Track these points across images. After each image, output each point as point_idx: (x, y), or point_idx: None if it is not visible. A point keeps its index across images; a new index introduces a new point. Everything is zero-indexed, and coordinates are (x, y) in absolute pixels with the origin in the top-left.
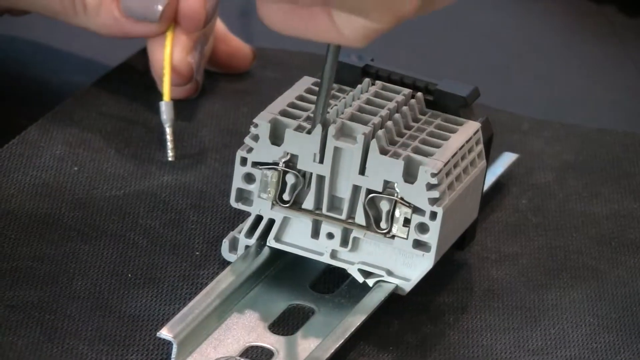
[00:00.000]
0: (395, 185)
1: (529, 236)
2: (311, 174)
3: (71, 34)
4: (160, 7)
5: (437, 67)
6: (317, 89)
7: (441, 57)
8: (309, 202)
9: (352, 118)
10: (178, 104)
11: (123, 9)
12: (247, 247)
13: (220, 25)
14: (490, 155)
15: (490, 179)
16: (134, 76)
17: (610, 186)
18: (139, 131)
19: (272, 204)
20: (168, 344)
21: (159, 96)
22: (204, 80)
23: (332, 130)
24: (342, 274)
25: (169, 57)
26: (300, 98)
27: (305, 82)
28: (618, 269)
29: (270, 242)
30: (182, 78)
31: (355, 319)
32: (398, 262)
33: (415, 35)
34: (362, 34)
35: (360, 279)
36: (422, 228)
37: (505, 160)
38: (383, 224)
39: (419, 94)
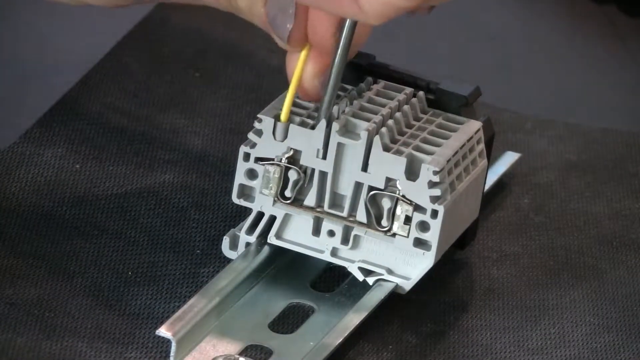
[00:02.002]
0: (397, 182)
1: (530, 236)
2: (313, 170)
3: (70, 30)
4: (288, 27)
5: (440, 67)
6: None
7: (444, 56)
8: (310, 199)
9: (355, 116)
10: (180, 101)
11: (267, 13)
12: (247, 244)
13: None
14: (492, 155)
15: (492, 178)
16: (136, 72)
17: (613, 186)
18: (141, 129)
19: (274, 201)
20: (167, 341)
21: (161, 94)
22: (209, 73)
23: (335, 126)
24: (342, 273)
25: (297, 78)
26: None
27: None
28: (619, 268)
29: (271, 239)
30: (307, 97)
31: (355, 318)
32: (398, 260)
33: (417, 35)
34: (381, 11)
35: (360, 277)
36: (423, 226)
37: (508, 159)
38: (384, 222)
39: (421, 92)
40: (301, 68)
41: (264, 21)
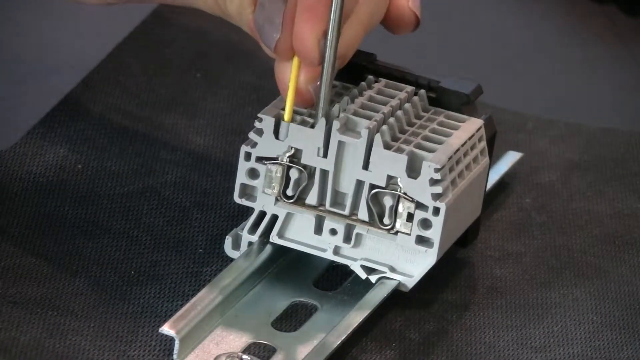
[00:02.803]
0: (399, 180)
1: (532, 235)
2: (315, 169)
3: (70, 31)
4: (275, 37)
5: (440, 68)
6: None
7: (444, 57)
8: (312, 198)
9: (356, 114)
10: (181, 102)
11: (254, 20)
12: (250, 243)
13: None
14: (494, 154)
15: (495, 177)
16: (138, 73)
17: (614, 185)
18: (143, 130)
19: (276, 200)
20: (170, 340)
21: (162, 95)
22: (210, 74)
23: (336, 124)
24: (345, 271)
25: (293, 83)
26: None
27: None
28: (621, 267)
29: (273, 238)
30: (302, 103)
31: (357, 316)
32: (401, 258)
33: (418, 34)
34: None
35: (363, 275)
36: (425, 224)
37: (510, 159)
38: (386, 220)
39: (422, 91)
40: (296, 74)
41: (251, 28)
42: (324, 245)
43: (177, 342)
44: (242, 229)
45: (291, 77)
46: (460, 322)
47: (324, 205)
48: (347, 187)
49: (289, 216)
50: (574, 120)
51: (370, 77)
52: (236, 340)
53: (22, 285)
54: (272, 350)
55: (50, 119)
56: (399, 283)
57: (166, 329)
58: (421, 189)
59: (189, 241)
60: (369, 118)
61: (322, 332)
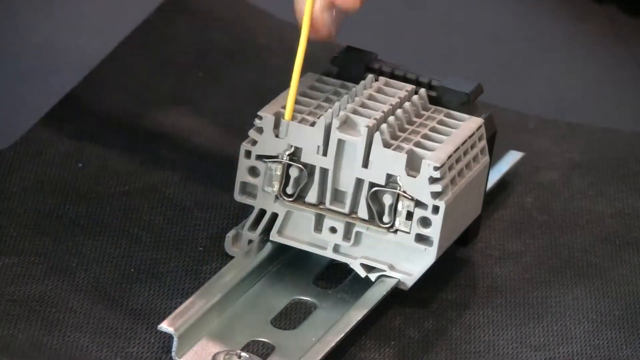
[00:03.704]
0: (398, 178)
1: (533, 234)
2: (314, 167)
3: (71, 30)
4: None
5: (441, 68)
6: (321, 85)
7: (445, 57)
8: (312, 196)
9: (356, 112)
10: (182, 101)
11: None
12: (250, 241)
13: None
14: (495, 154)
15: (496, 177)
16: (139, 72)
17: (615, 185)
18: (144, 128)
19: (276, 198)
20: (169, 337)
21: (164, 93)
22: (211, 73)
23: (336, 122)
24: (345, 269)
25: (308, 13)
26: (304, 94)
27: (309, 78)
28: (621, 267)
29: (273, 236)
30: (318, 34)
31: (356, 314)
32: (400, 256)
33: (419, 34)
34: None
35: (362, 273)
36: (425, 222)
37: (511, 158)
38: (386, 218)
39: (422, 90)
40: (311, 2)
41: None
42: (324, 244)
43: (175, 340)
44: (242, 227)
45: (305, 8)
46: (460, 320)
47: (324, 203)
48: (347, 186)
49: (288, 214)
50: (575, 120)
51: (371, 75)
52: (235, 338)
53: (21, 283)
54: (271, 348)
55: (51, 117)
56: (399, 281)
57: (165, 326)
58: (421, 187)
59: (189, 239)
60: (368, 116)
61: (321, 330)
